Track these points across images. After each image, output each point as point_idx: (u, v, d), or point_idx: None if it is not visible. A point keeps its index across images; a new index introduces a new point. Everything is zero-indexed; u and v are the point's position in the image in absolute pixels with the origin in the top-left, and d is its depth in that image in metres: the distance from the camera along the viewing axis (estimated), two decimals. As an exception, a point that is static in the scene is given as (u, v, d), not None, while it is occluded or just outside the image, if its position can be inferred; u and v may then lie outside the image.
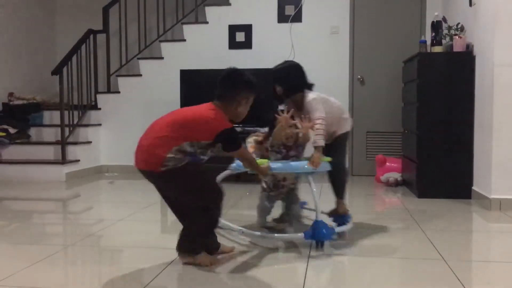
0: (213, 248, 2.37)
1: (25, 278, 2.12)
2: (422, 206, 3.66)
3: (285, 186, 2.86)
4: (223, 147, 2.24)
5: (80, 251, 2.58)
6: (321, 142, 2.66)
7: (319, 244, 2.51)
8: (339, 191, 3.05)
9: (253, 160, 2.46)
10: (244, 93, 2.36)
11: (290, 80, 2.93)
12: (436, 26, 4.02)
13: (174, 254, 2.30)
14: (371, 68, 5.25)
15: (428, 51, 4.09)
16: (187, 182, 2.20)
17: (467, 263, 2.38)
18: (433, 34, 4.03)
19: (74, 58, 5.30)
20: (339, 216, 3.00)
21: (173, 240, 2.30)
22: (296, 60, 5.22)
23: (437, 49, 3.99)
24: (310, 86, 2.98)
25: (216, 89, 2.35)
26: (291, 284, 2.05)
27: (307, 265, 2.27)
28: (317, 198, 2.56)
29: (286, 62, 3.09)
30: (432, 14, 4.31)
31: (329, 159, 2.70)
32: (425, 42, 4.13)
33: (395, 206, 3.84)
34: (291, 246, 2.62)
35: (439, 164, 3.94)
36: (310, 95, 2.85)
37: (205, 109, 2.26)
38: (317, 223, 2.51)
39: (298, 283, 2.04)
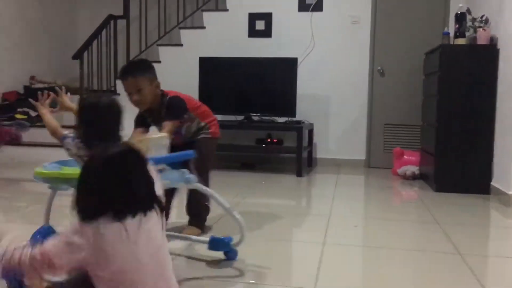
0: None
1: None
2: (439, 200, 3.63)
3: None
4: None
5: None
6: None
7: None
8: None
9: None
10: None
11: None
12: (460, 18, 3.95)
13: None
14: (392, 59, 5.19)
15: (451, 43, 4.02)
16: None
17: (483, 258, 2.35)
18: (457, 26, 3.96)
19: (94, 43, 5.35)
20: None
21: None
22: (316, 50, 5.27)
23: (460, 41, 3.92)
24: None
25: None
26: (305, 274, 2.06)
27: (322, 251, 2.27)
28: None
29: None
30: (456, 5, 4.22)
31: None
32: (448, 34, 4.06)
33: (411, 200, 3.81)
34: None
35: (458, 158, 3.89)
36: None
37: None
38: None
39: (312, 273, 2.04)
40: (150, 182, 1.38)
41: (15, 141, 5.22)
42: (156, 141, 1.95)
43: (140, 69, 2.45)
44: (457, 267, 2.16)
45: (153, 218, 1.35)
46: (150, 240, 1.33)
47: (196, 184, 2.01)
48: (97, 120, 1.81)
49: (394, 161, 4.78)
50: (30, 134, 5.37)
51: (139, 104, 2.43)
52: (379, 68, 5.21)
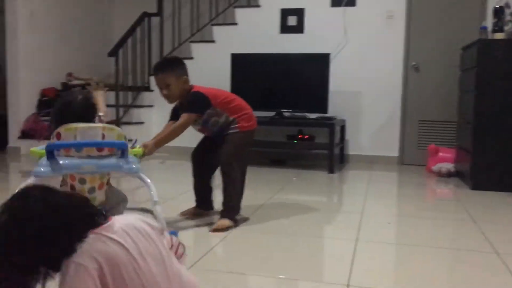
0: None
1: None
2: (476, 198, 3.55)
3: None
4: None
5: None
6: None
7: None
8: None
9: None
10: None
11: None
12: (499, 12, 3.84)
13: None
14: (427, 54, 5.09)
15: (489, 37, 3.92)
16: None
17: (522, 258, 2.29)
18: (495, 20, 3.86)
19: (129, 41, 5.45)
20: None
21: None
22: (349, 45, 5.22)
23: (499, 36, 3.81)
24: None
25: None
26: (337, 271, 2.05)
27: (355, 248, 2.26)
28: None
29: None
30: (495, -1, 4.12)
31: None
32: (486, 28, 3.95)
33: (446, 197, 3.74)
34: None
35: (496, 155, 3.79)
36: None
37: None
38: None
39: (345, 271, 2.04)
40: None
41: (53, 136, 5.38)
42: (83, 130, 2.07)
43: (169, 66, 2.65)
44: (493, 266, 2.11)
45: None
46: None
47: (139, 174, 2.19)
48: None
49: (429, 158, 4.70)
50: (68, 130, 5.53)
51: (168, 98, 2.63)
52: (414, 63, 5.12)
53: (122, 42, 5.34)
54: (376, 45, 5.16)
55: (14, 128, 5.44)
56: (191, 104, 2.61)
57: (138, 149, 2.39)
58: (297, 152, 5.37)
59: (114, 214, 1.42)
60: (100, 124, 2.19)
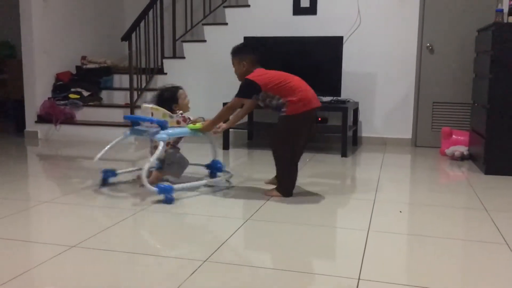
0: None
1: (101, 241, 2.30)
2: (489, 183, 3.56)
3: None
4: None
5: (149, 215, 2.74)
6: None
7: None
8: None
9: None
10: None
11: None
12: (516, -6, 3.77)
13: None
14: (442, 36, 5.02)
15: (505, 21, 3.85)
16: None
17: (532, 249, 2.32)
18: (511, 2, 3.79)
19: (142, 24, 5.45)
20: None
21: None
22: (362, 26, 5.16)
23: (515, 18, 3.75)
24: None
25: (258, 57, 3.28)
26: (349, 263, 2.10)
27: (367, 238, 2.30)
28: None
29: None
30: (512, -20, 4.02)
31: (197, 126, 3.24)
32: (502, 11, 3.89)
33: (459, 182, 3.75)
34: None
35: (510, 140, 3.78)
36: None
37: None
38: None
39: (356, 263, 2.08)
40: None
41: (69, 120, 5.47)
42: (145, 110, 3.29)
43: (234, 51, 3.28)
44: (505, 259, 2.14)
45: None
46: None
47: (158, 142, 3.05)
48: None
49: (442, 140, 4.70)
50: (83, 113, 5.61)
51: (237, 76, 3.26)
52: (428, 44, 5.07)
53: (135, 26, 5.34)
54: (390, 26, 5.10)
55: (31, 112, 5.54)
56: (240, 89, 3.10)
57: (197, 125, 3.24)
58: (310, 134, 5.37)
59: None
60: (150, 105, 3.25)
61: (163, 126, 3.11)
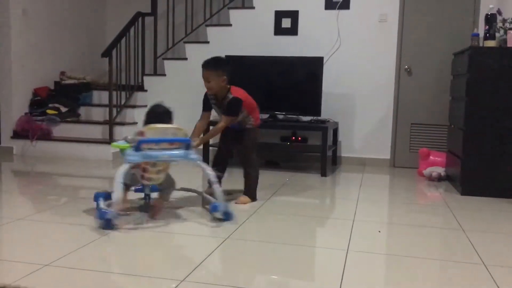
0: None
1: (75, 260, 2.24)
2: (465, 204, 3.61)
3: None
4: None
5: (126, 234, 2.69)
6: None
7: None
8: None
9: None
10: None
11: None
12: (490, 19, 3.88)
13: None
14: (419, 58, 5.13)
15: (481, 45, 3.96)
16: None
17: (509, 270, 2.34)
18: (487, 27, 3.90)
19: (123, 41, 5.43)
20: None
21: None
22: (342, 48, 5.24)
23: (490, 43, 3.86)
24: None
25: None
26: (328, 284, 2.09)
27: (346, 259, 2.30)
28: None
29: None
30: (487, 6, 4.15)
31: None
32: (477, 35, 4.00)
33: (436, 202, 3.79)
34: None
35: (486, 161, 3.85)
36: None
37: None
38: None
39: (336, 282, 2.07)
40: None
41: (46, 136, 5.38)
42: (162, 130, 2.85)
43: (213, 64, 3.25)
44: (481, 279, 2.15)
45: None
46: None
47: (198, 162, 2.92)
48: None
49: (420, 161, 4.76)
50: (61, 129, 5.53)
51: (208, 89, 3.29)
52: (406, 67, 5.16)
53: (115, 42, 5.32)
54: (369, 48, 5.19)
55: (6, 127, 5.43)
56: (233, 109, 3.25)
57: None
58: (290, 153, 5.40)
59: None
60: (171, 125, 2.90)
61: (189, 145, 2.88)
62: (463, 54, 4.10)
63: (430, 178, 4.51)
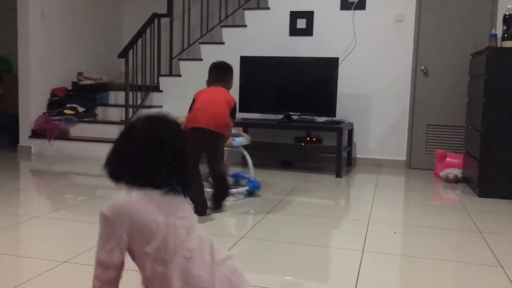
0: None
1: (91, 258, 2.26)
2: (482, 206, 3.56)
3: None
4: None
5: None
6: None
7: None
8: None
9: None
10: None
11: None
12: (508, 20, 3.83)
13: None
14: (436, 59, 5.08)
15: (499, 45, 3.91)
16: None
17: (527, 273, 2.31)
18: (505, 27, 3.84)
19: (139, 41, 5.48)
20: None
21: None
22: (358, 48, 5.22)
23: (508, 44, 3.80)
24: None
25: (213, 76, 3.30)
26: (343, 284, 2.08)
27: (361, 259, 2.29)
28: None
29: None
30: (505, 6, 4.10)
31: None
32: (495, 36, 3.95)
33: (453, 204, 3.75)
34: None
35: (504, 163, 3.80)
36: None
37: (227, 92, 3.22)
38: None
39: (351, 282, 2.07)
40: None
41: (63, 136, 5.44)
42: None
43: (229, 69, 3.36)
44: (498, 282, 2.13)
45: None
46: None
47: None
48: None
49: (437, 163, 4.71)
50: (78, 129, 5.59)
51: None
52: (422, 67, 5.12)
53: (132, 43, 5.37)
54: (385, 49, 5.16)
55: (25, 127, 5.51)
56: (235, 111, 3.27)
57: None
58: (305, 154, 5.39)
59: None
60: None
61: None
62: (480, 54, 4.06)
63: (447, 180, 4.46)
